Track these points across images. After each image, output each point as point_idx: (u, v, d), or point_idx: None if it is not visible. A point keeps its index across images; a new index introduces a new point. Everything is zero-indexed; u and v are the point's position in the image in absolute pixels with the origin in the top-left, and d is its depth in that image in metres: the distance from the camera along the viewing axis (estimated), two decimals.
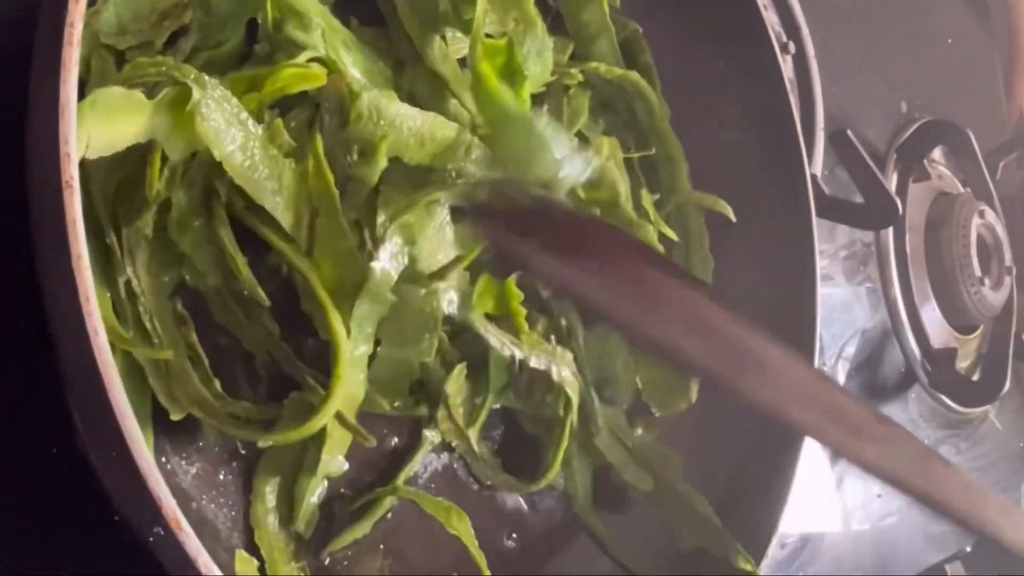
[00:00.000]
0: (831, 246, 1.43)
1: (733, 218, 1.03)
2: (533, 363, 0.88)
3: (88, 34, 0.69)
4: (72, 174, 0.56)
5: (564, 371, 0.90)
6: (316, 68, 0.73)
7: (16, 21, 0.72)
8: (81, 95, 0.59)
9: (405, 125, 0.79)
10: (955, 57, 1.84)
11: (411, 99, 0.85)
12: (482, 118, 0.83)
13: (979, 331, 1.66)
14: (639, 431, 0.97)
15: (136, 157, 0.69)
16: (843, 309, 1.43)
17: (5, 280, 0.70)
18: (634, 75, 1.02)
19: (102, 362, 0.55)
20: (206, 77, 0.68)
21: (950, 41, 1.84)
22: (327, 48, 0.76)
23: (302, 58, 0.73)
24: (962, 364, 1.60)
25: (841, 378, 1.40)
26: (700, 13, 1.09)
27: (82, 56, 0.60)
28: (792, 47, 1.40)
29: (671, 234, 1.02)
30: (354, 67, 0.79)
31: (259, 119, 0.75)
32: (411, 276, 0.81)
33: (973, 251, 1.55)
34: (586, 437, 0.93)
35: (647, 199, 1.02)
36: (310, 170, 0.74)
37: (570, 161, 0.84)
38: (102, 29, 0.69)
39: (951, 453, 1.59)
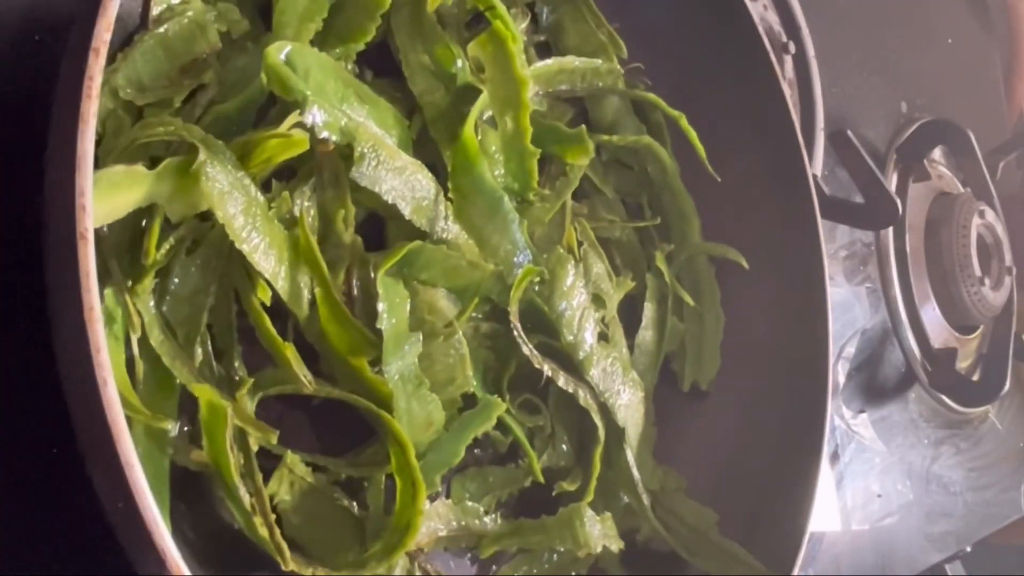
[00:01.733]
0: (831, 246, 1.43)
1: (746, 265, 1.03)
2: (561, 382, 0.89)
3: (107, 91, 0.69)
4: (87, 226, 0.56)
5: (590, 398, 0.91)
6: (298, 134, 0.73)
7: (38, 75, 0.72)
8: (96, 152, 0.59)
9: (404, 173, 0.80)
10: (955, 57, 1.84)
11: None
12: (452, 183, 0.84)
13: (979, 331, 1.66)
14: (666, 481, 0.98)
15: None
16: (843, 309, 1.43)
17: (7, 281, 0.70)
18: (646, 138, 1.02)
19: (111, 412, 0.55)
20: (212, 139, 0.69)
21: (950, 41, 1.84)
22: (329, 107, 0.76)
23: (285, 125, 0.72)
24: (962, 364, 1.60)
25: (841, 378, 1.41)
26: (696, 22, 1.08)
27: (100, 116, 0.60)
28: (792, 47, 1.40)
29: (688, 299, 1.03)
30: (368, 119, 0.80)
31: (267, 188, 0.76)
32: (427, 331, 0.82)
33: (973, 251, 1.55)
34: (611, 492, 0.94)
35: (660, 260, 1.02)
36: (300, 244, 0.74)
37: (524, 254, 0.87)
38: (121, 85, 0.70)
39: (951, 453, 1.59)
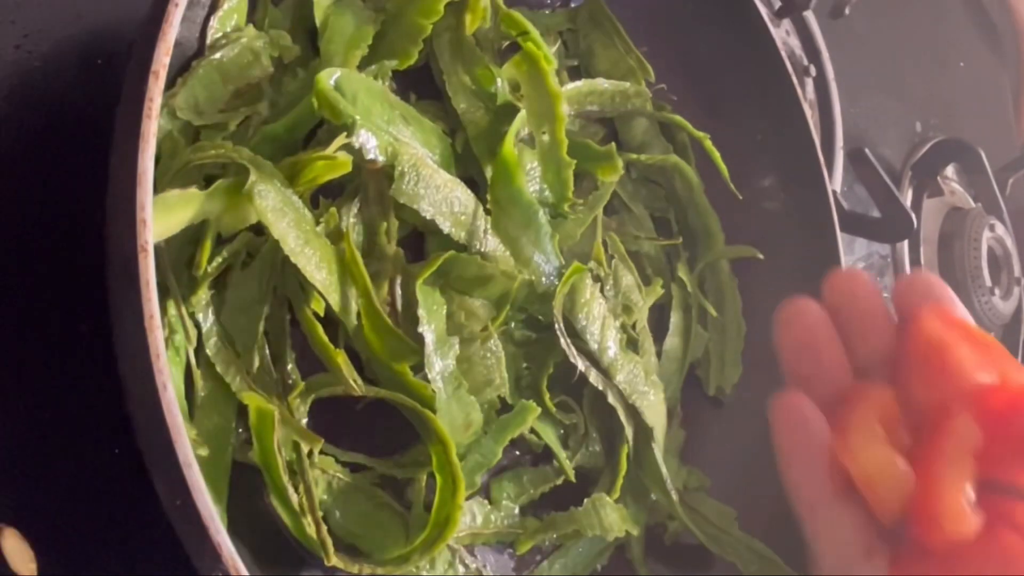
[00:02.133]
0: (850, 258, 1.42)
1: (760, 256, 1.03)
2: (592, 378, 0.89)
3: (166, 113, 0.69)
4: (147, 239, 0.56)
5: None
6: (342, 156, 0.72)
7: (101, 97, 0.73)
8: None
9: (443, 189, 0.80)
10: (967, 80, 1.83)
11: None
12: (492, 195, 0.84)
13: None
14: (689, 480, 0.97)
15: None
16: None
17: (71, 290, 0.71)
18: (673, 157, 1.02)
19: (169, 414, 0.55)
20: (261, 159, 0.69)
21: (962, 65, 1.83)
22: (377, 129, 0.76)
23: (332, 147, 0.73)
24: None
25: None
26: (721, 47, 1.08)
27: (157, 138, 0.60)
28: (813, 70, 1.40)
29: (711, 309, 1.02)
30: (413, 139, 0.80)
31: (314, 205, 0.76)
32: (465, 335, 0.81)
33: (984, 263, 1.54)
34: (640, 491, 0.94)
35: (683, 271, 1.02)
36: (346, 258, 0.74)
37: (553, 264, 0.87)
38: (179, 106, 0.70)
39: None
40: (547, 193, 0.89)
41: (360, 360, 0.79)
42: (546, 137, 0.88)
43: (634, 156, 1.01)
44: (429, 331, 0.77)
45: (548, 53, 0.88)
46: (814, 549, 0.59)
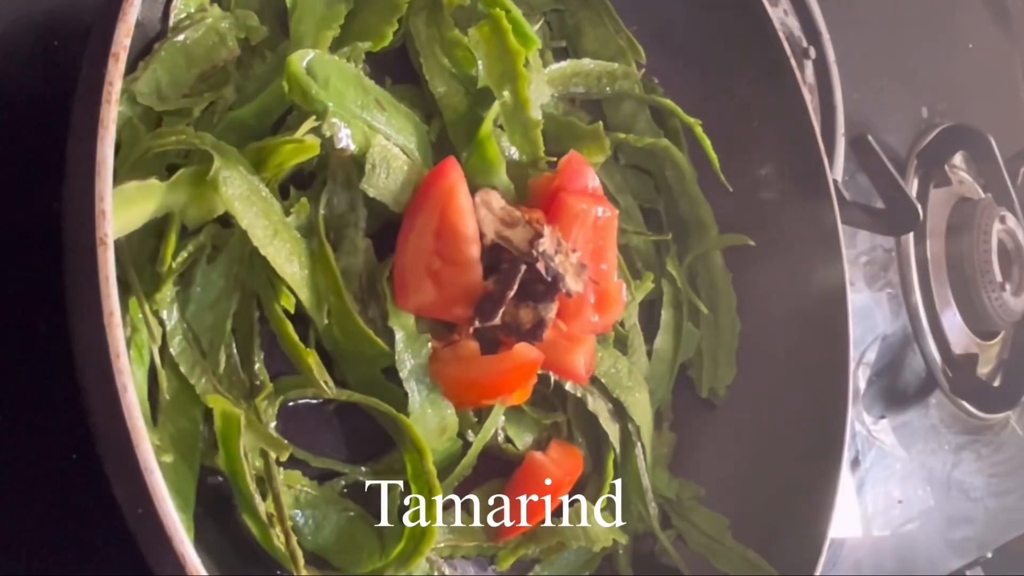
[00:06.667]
0: (852, 252, 1.42)
1: (752, 243, 1.04)
2: (568, 388, 0.89)
3: (126, 99, 0.69)
4: (107, 231, 0.56)
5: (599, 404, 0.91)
6: (311, 139, 0.73)
7: (57, 81, 0.73)
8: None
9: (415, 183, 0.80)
10: (976, 62, 1.83)
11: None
12: (469, 182, 0.83)
13: (1000, 336, 1.65)
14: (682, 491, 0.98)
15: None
16: (864, 315, 1.43)
17: (26, 288, 0.70)
18: (664, 141, 1.02)
19: (130, 417, 0.55)
20: (225, 145, 0.69)
21: (971, 46, 1.83)
22: (350, 116, 0.76)
23: (300, 131, 0.73)
24: (983, 369, 1.59)
25: (862, 384, 1.40)
26: (715, 27, 1.08)
27: (117, 125, 0.59)
28: (813, 52, 1.40)
29: (701, 306, 1.03)
30: (387, 126, 0.80)
31: (284, 195, 0.76)
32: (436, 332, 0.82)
33: (994, 256, 1.55)
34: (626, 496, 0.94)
35: (672, 265, 1.03)
36: (318, 252, 0.75)
37: None
38: (140, 91, 0.70)
39: (972, 459, 1.58)
40: (519, 154, 0.90)
41: (331, 360, 0.79)
42: (509, 98, 0.88)
43: (622, 136, 1.01)
44: (399, 328, 0.78)
45: (518, 14, 0.88)
46: None
